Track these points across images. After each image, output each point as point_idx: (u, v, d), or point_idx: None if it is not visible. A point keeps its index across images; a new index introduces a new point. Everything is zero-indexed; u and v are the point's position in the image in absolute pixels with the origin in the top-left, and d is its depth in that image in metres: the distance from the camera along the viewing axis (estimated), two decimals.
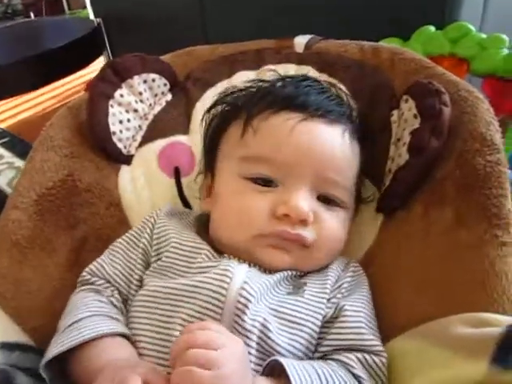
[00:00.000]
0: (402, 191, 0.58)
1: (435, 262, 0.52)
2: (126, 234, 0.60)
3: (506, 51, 0.95)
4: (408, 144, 0.58)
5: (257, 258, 0.53)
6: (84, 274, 0.57)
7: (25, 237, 0.59)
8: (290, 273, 0.53)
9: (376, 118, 0.65)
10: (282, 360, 0.43)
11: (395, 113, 0.63)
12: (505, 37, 0.96)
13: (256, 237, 0.53)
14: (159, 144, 0.71)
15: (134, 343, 0.49)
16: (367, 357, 0.47)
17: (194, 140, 0.71)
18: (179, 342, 0.41)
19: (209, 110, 0.66)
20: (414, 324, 0.48)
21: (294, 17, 1.17)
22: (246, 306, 0.47)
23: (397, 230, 0.58)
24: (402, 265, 0.55)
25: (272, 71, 0.69)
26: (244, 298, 0.47)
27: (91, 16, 1.82)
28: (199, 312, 0.47)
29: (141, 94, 0.71)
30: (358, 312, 0.50)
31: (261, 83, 0.63)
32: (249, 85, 0.64)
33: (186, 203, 0.69)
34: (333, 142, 0.55)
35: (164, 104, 0.74)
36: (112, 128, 0.67)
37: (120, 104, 0.68)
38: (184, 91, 0.75)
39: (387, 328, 0.51)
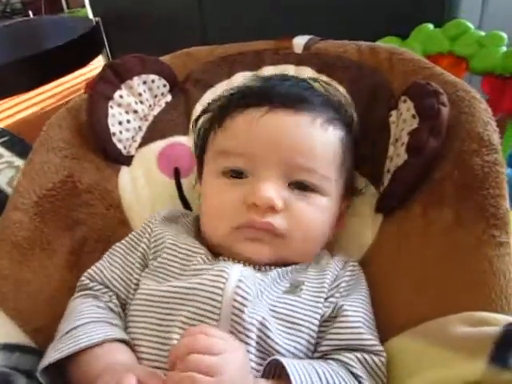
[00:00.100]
0: (400, 191, 0.58)
1: (434, 261, 0.52)
2: (126, 239, 0.60)
3: (504, 49, 0.95)
4: (406, 144, 0.58)
5: (237, 252, 0.53)
6: (83, 278, 0.57)
7: (25, 238, 0.59)
8: (284, 269, 0.54)
9: (374, 118, 0.65)
10: (283, 359, 0.43)
11: (394, 113, 0.63)
12: (504, 34, 0.96)
13: (233, 230, 0.53)
14: (159, 145, 0.72)
15: (132, 348, 0.49)
16: (367, 356, 0.47)
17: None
18: (179, 345, 0.41)
19: (197, 120, 0.67)
20: (413, 323, 0.49)
21: (292, 17, 1.17)
22: (243, 304, 0.47)
23: (396, 230, 0.58)
24: (402, 265, 0.55)
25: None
26: (240, 296, 0.47)
27: (90, 15, 1.82)
28: (197, 314, 0.48)
29: (140, 94, 0.71)
30: (357, 312, 0.50)
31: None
32: (232, 91, 0.65)
33: (186, 204, 0.69)
34: (299, 130, 0.55)
35: (164, 105, 0.74)
36: (112, 129, 0.67)
37: (120, 105, 0.69)
38: (183, 92, 0.75)
39: (386, 327, 0.51)
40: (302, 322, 0.49)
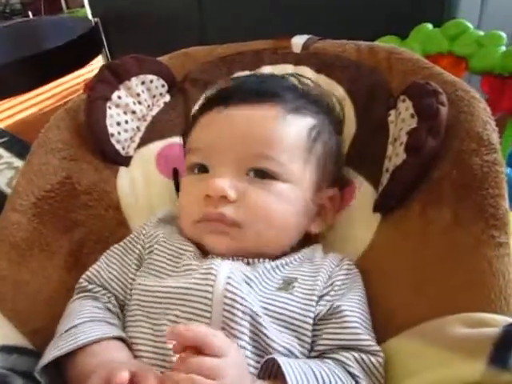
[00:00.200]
0: (399, 191, 0.58)
1: (433, 261, 0.52)
2: (123, 241, 0.60)
3: (503, 48, 0.95)
4: (405, 144, 0.57)
5: (205, 245, 0.55)
6: (81, 281, 0.57)
7: (24, 239, 0.59)
8: (274, 263, 0.53)
9: (373, 118, 0.65)
10: (279, 358, 0.43)
11: (392, 113, 0.63)
12: (503, 34, 0.96)
13: (194, 224, 0.55)
14: (157, 145, 0.72)
15: (130, 346, 0.49)
16: (364, 356, 0.47)
17: None
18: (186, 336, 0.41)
19: (187, 124, 0.67)
20: (412, 324, 0.48)
21: (292, 17, 1.17)
22: (234, 300, 0.47)
23: (394, 229, 0.58)
24: (400, 264, 0.55)
25: None
26: (231, 293, 0.48)
27: (89, 15, 1.82)
28: (189, 313, 0.48)
29: (139, 95, 0.71)
30: (354, 312, 0.50)
31: None
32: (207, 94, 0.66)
33: None
34: (255, 120, 0.56)
35: (162, 105, 0.74)
36: (110, 130, 0.67)
37: (118, 106, 0.69)
38: (182, 92, 0.75)
39: (384, 328, 0.51)
40: (294, 321, 0.49)
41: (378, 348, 0.48)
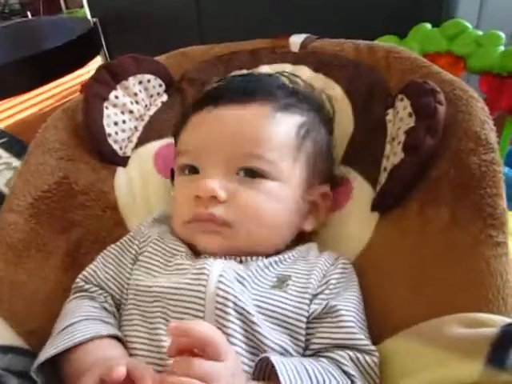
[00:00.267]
0: (397, 190, 0.58)
1: (431, 261, 0.52)
2: (120, 241, 0.60)
3: (502, 48, 0.95)
4: (403, 143, 0.57)
5: (196, 245, 0.55)
6: (78, 280, 0.57)
7: (20, 240, 0.59)
8: (267, 261, 0.53)
9: (371, 117, 0.65)
10: (272, 358, 0.43)
11: (390, 112, 0.63)
12: (501, 34, 0.96)
13: (185, 224, 0.55)
14: (155, 145, 0.71)
15: (125, 344, 0.49)
16: (359, 355, 0.47)
17: None
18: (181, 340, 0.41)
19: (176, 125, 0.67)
20: (409, 324, 0.48)
21: (291, 16, 1.16)
22: (226, 299, 0.47)
23: (392, 228, 0.58)
24: (398, 264, 0.55)
25: None
26: (223, 291, 0.48)
27: (88, 16, 1.81)
28: (182, 313, 0.48)
29: (136, 95, 0.71)
30: (350, 311, 0.50)
31: None
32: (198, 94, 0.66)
33: None
34: (243, 119, 0.56)
35: (160, 105, 0.74)
36: (107, 130, 0.67)
37: (115, 105, 0.68)
38: (180, 92, 0.75)
39: (381, 328, 0.51)
40: (288, 319, 0.49)
41: (373, 348, 0.48)
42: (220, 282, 0.48)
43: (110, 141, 0.67)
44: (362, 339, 0.48)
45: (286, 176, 0.56)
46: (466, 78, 1.00)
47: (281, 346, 0.48)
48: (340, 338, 0.48)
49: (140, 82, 0.71)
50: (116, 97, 0.68)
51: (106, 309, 0.54)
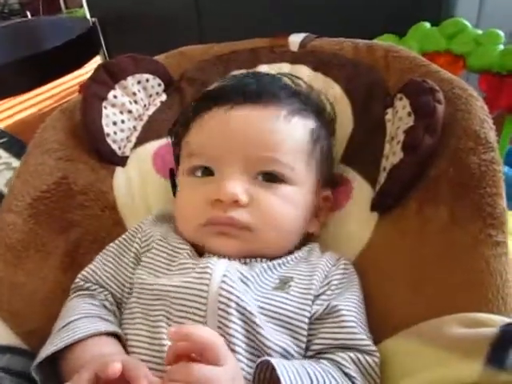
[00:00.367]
0: (396, 190, 0.58)
1: (431, 260, 0.52)
2: (118, 239, 0.60)
3: (501, 47, 0.95)
4: (402, 142, 0.57)
5: (209, 247, 0.54)
6: (77, 280, 0.57)
7: (19, 240, 0.59)
8: (271, 263, 0.53)
9: (370, 116, 0.65)
10: (273, 360, 0.43)
11: (389, 111, 0.63)
12: (500, 32, 0.96)
13: (199, 227, 0.54)
14: (154, 145, 0.71)
15: (124, 342, 0.49)
16: (360, 356, 0.47)
17: None
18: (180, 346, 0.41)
19: (175, 124, 0.67)
20: (409, 324, 0.48)
21: (290, 16, 1.16)
22: (229, 299, 0.47)
23: (392, 228, 0.58)
24: (398, 263, 0.55)
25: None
26: (226, 291, 0.48)
27: (87, 15, 1.81)
28: (183, 311, 0.48)
29: (135, 94, 0.71)
30: (351, 311, 0.50)
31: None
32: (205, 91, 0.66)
33: None
34: (262, 122, 0.56)
35: (159, 104, 0.74)
36: (106, 129, 0.67)
37: (114, 105, 0.68)
38: (179, 91, 0.75)
39: (381, 328, 0.51)
40: (290, 320, 0.49)
41: (374, 348, 0.48)
42: (223, 281, 0.48)
43: (109, 141, 0.67)
44: (364, 339, 0.48)
45: (301, 181, 0.56)
46: (466, 77, 1.00)
47: (282, 347, 0.47)
48: (341, 338, 0.48)
49: (139, 82, 0.71)
50: (115, 96, 0.68)
51: (105, 307, 0.54)
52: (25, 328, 0.54)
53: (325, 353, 0.48)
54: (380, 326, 0.51)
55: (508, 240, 0.48)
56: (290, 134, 0.56)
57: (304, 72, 0.71)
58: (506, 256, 0.47)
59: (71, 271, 0.59)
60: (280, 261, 0.54)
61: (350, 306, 0.50)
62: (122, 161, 0.69)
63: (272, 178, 0.55)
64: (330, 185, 0.63)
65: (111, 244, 0.60)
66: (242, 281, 0.50)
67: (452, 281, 0.48)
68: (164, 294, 0.50)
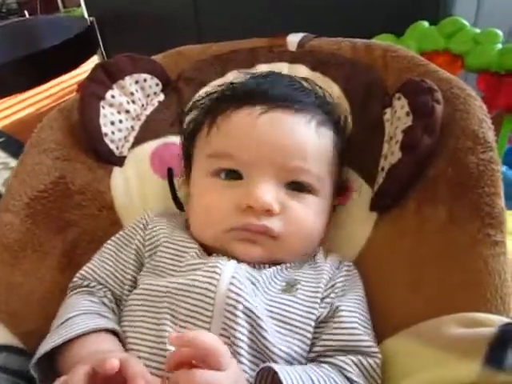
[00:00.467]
0: (395, 190, 0.58)
1: (430, 260, 0.52)
2: (116, 236, 0.60)
3: (500, 46, 0.95)
4: (401, 142, 0.57)
5: (231, 252, 0.53)
6: (75, 279, 0.57)
7: (16, 240, 0.59)
8: (279, 267, 0.53)
9: (369, 116, 0.65)
10: (275, 366, 0.43)
11: (388, 111, 0.63)
12: (499, 32, 0.96)
13: (225, 232, 0.53)
14: (152, 145, 0.71)
15: (122, 339, 0.49)
16: (362, 359, 0.47)
17: None
18: (181, 353, 0.41)
19: (181, 117, 0.66)
20: (409, 324, 0.48)
21: (288, 15, 1.16)
22: (236, 301, 0.47)
23: (391, 228, 0.58)
24: (397, 263, 0.55)
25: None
26: (234, 293, 0.47)
27: (85, 14, 1.81)
28: (190, 310, 0.47)
29: (132, 94, 0.70)
30: (353, 312, 0.50)
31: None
32: (221, 88, 0.63)
33: (179, 204, 0.69)
34: (295, 131, 0.55)
35: (156, 104, 0.74)
36: (104, 129, 0.66)
37: (111, 105, 0.68)
38: (176, 91, 0.74)
39: (381, 328, 0.51)
40: (297, 323, 0.49)
41: (376, 349, 0.48)
42: (232, 283, 0.48)
43: (107, 140, 0.67)
44: (366, 340, 0.48)
45: (324, 191, 0.57)
46: (464, 77, 1.00)
47: (286, 352, 0.47)
48: (343, 339, 0.48)
49: (136, 82, 0.71)
50: (112, 96, 0.68)
51: (104, 304, 0.54)
52: (22, 328, 0.54)
53: (326, 356, 0.48)
54: (380, 325, 0.51)
55: (506, 240, 0.48)
56: (319, 144, 0.56)
57: (302, 72, 0.71)
58: (505, 256, 0.47)
59: (68, 271, 0.59)
60: (287, 264, 0.54)
61: (352, 307, 0.50)
62: (120, 161, 0.69)
63: (299, 187, 0.55)
64: (338, 192, 0.63)
65: (109, 242, 0.59)
66: (251, 282, 0.50)
67: (450, 280, 0.48)
68: (171, 290, 0.49)
